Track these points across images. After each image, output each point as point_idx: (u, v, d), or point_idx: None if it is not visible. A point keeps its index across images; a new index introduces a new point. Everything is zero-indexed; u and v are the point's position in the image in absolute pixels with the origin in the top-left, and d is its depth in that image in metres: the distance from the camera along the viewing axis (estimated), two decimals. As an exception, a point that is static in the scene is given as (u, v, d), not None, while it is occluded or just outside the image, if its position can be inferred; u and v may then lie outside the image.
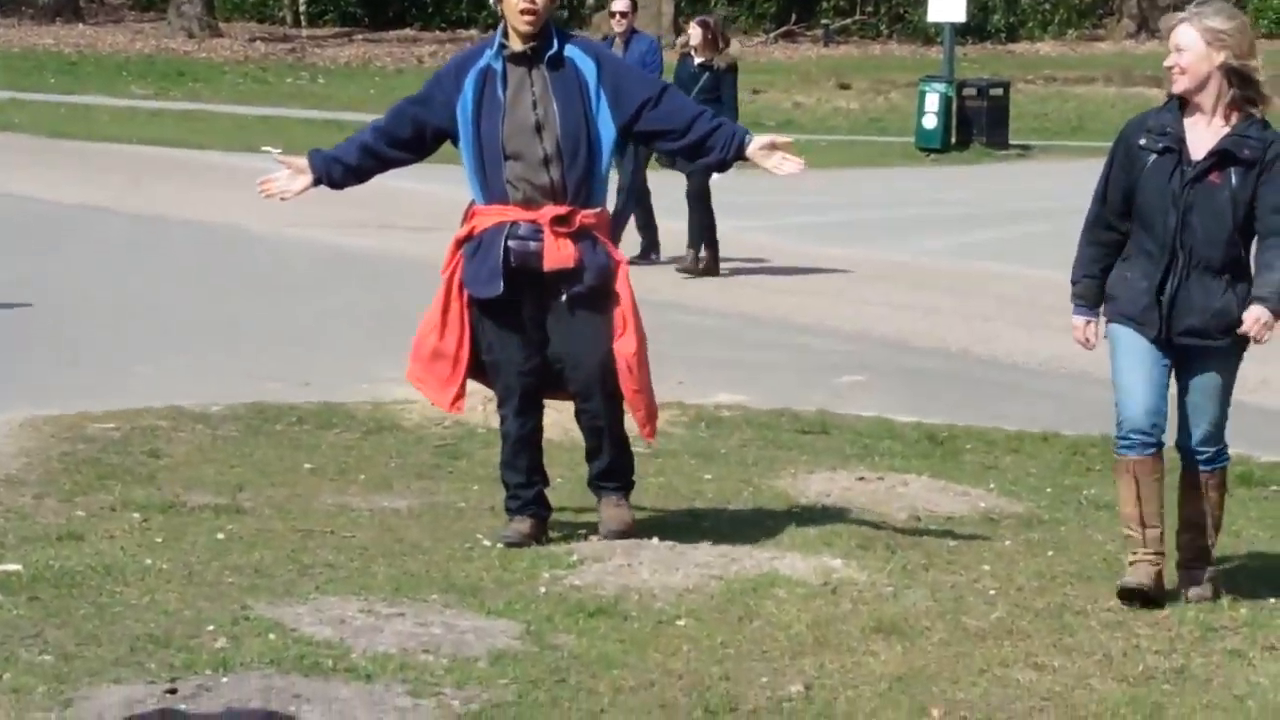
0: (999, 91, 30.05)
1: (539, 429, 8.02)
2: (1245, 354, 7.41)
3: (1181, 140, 7.22)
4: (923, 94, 29.41)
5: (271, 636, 6.53)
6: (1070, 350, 10.80)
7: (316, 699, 5.96)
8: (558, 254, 7.68)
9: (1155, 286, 7.23)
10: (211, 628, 6.62)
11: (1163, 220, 7.21)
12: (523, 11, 7.64)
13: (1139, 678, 6.39)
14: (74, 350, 11.83)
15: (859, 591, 7.37)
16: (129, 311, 13.44)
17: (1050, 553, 8.05)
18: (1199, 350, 7.30)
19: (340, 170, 7.90)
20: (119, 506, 8.18)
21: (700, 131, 7.84)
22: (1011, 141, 29.62)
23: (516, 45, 7.76)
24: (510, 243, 7.70)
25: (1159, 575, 7.29)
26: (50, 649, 6.33)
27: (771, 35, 45.13)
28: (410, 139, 7.92)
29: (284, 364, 11.77)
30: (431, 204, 18.17)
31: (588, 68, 7.81)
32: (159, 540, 7.70)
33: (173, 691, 5.97)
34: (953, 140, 28.77)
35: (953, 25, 31.07)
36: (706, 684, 6.22)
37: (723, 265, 16.94)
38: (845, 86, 37.62)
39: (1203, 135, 7.24)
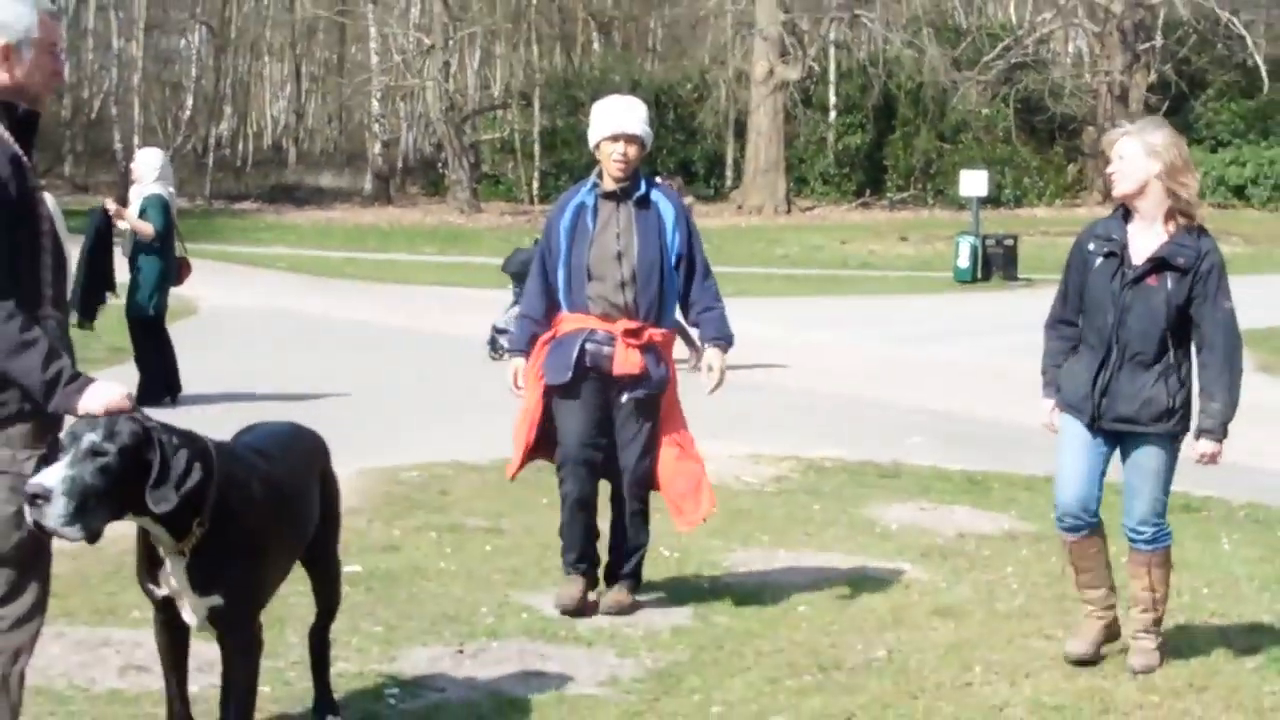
0: (1010, 242, 29.79)
1: (595, 493, 6.74)
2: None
3: (1124, 246, 5.87)
4: (957, 244, 29.32)
5: (524, 616, 6.59)
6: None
7: (555, 657, 6.02)
8: (626, 361, 6.55)
9: (1092, 377, 5.91)
10: (484, 609, 6.69)
11: (1103, 316, 5.88)
12: (615, 161, 6.58)
13: (1119, 642, 6.30)
14: (388, 422, 11.99)
15: (922, 586, 7.33)
16: (422, 395, 13.61)
17: (1054, 558, 7.93)
18: (1133, 436, 5.92)
19: (535, 342, 6.74)
20: (422, 528, 8.27)
21: (701, 301, 6.79)
22: (1020, 276, 29.33)
23: (608, 185, 6.67)
24: (588, 345, 6.56)
25: (1104, 628, 6.09)
26: (380, 623, 6.43)
27: (853, 204, 45.01)
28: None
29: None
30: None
31: (668, 211, 6.70)
32: (448, 550, 7.77)
33: (460, 652, 6.03)
34: (979, 276, 28.59)
35: (978, 197, 30.99)
36: (819, 650, 6.22)
37: (832, 364, 16.92)
38: (904, 238, 37.43)
39: (1143, 242, 5.87)
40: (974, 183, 31.13)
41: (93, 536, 3.95)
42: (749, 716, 5.39)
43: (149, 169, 12.63)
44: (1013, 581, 7.45)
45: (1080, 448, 5.98)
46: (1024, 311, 23.96)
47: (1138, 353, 5.85)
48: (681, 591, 7.13)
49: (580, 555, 6.72)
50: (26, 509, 3.89)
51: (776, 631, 6.47)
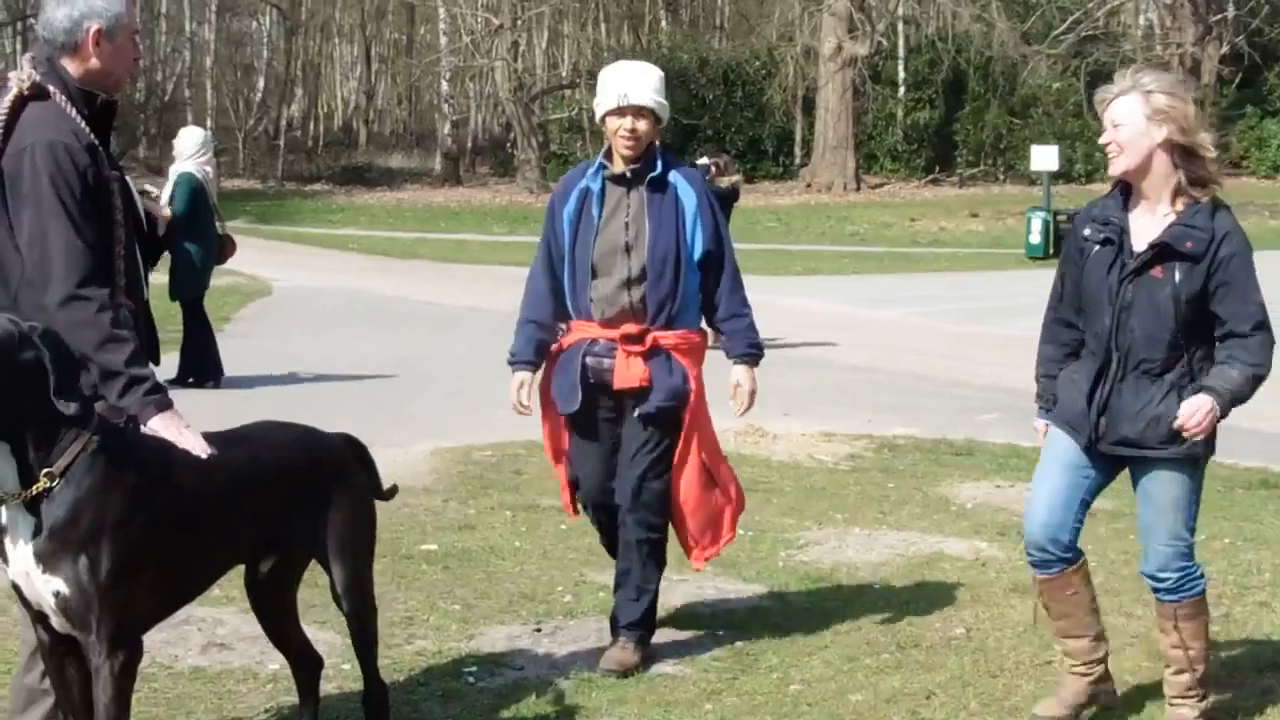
0: (1083, 217, 29.62)
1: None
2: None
3: (1124, 230, 4.71)
4: (1029, 219, 29.04)
5: (600, 594, 6.56)
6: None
7: (633, 637, 5.99)
8: (627, 372, 5.50)
9: (1089, 390, 4.76)
10: (560, 588, 6.70)
11: (1101, 318, 4.72)
12: (623, 138, 5.50)
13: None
14: (461, 403, 12.01)
15: (999, 564, 7.27)
16: (494, 376, 13.58)
17: (1131, 536, 7.80)
18: (1142, 462, 4.78)
19: (542, 352, 5.74)
20: (497, 507, 8.30)
21: (726, 308, 5.68)
22: (1092, 251, 29.13)
23: (617, 167, 5.58)
24: (587, 359, 5.55)
25: (1087, 686, 5.04)
26: (458, 601, 6.47)
27: (923, 180, 44.73)
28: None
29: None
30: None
31: (689, 197, 5.54)
32: (523, 529, 7.79)
33: (538, 630, 6.04)
34: (1051, 251, 28.28)
35: (1049, 172, 30.72)
36: (897, 628, 6.18)
37: (904, 341, 16.80)
38: (975, 215, 37.14)
39: (1147, 224, 4.70)
40: (1045, 158, 30.84)
41: None
42: (828, 695, 5.36)
43: (188, 146, 12.67)
44: (1091, 559, 7.31)
45: (1062, 470, 4.89)
46: (1097, 287, 24.07)
47: (1143, 360, 4.70)
48: (757, 570, 7.12)
49: None
50: None
51: (853, 610, 6.43)
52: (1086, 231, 4.82)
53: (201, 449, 4.02)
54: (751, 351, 5.73)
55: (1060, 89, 44.91)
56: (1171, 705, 5.01)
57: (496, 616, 6.24)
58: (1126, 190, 4.80)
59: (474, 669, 5.57)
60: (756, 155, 44.57)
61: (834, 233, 34.49)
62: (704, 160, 16.10)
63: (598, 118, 5.68)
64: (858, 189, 42.55)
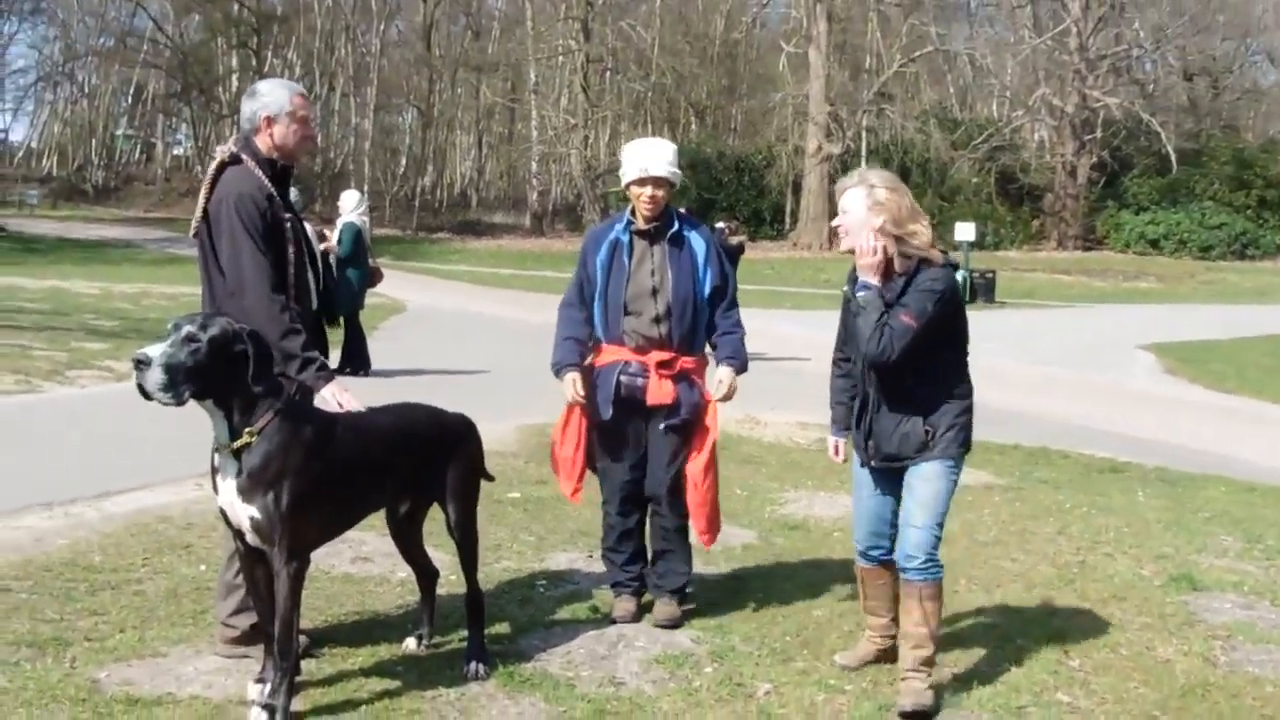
0: (991, 275, 29.55)
1: (641, 522, 5.22)
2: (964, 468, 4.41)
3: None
4: (952, 275, 28.89)
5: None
6: (1029, 402, 10.37)
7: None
8: (659, 391, 4.96)
9: (856, 419, 4.36)
10: (608, 527, 6.69)
11: (859, 362, 4.33)
12: (645, 203, 4.95)
13: (1064, 565, 6.20)
14: (538, 391, 11.97)
15: (922, 521, 7.24)
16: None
17: (1017, 503, 7.85)
18: (904, 470, 4.25)
19: (582, 357, 5.14)
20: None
21: (721, 328, 5.08)
22: (997, 299, 28.99)
23: (640, 224, 5.00)
24: (622, 378, 5.00)
25: (877, 652, 4.55)
26: (533, 534, 6.46)
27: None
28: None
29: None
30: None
31: (700, 247, 5.01)
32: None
33: (590, 556, 6.03)
34: (968, 299, 28.14)
35: (968, 241, 30.60)
36: (847, 564, 6.05)
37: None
38: (912, 271, 36.96)
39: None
40: (965, 231, 30.77)
41: (180, 403, 3.64)
42: (798, 609, 5.36)
43: (349, 204, 13.01)
44: (988, 519, 7.34)
45: (871, 493, 4.42)
46: (1001, 324, 23.97)
47: (888, 392, 4.23)
48: (750, 519, 7.10)
49: (631, 577, 5.20)
50: (133, 373, 3.61)
51: (817, 550, 6.42)
52: (847, 289, 4.31)
53: (357, 406, 4.08)
54: (734, 359, 5.06)
55: (976, 183, 44.78)
56: (904, 679, 4.22)
57: (561, 545, 6.24)
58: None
59: (544, 582, 5.58)
60: (758, 222, 44.48)
61: (813, 279, 34.39)
62: (720, 224, 16.06)
63: (623, 185, 5.06)
64: (830, 248, 42.38)
